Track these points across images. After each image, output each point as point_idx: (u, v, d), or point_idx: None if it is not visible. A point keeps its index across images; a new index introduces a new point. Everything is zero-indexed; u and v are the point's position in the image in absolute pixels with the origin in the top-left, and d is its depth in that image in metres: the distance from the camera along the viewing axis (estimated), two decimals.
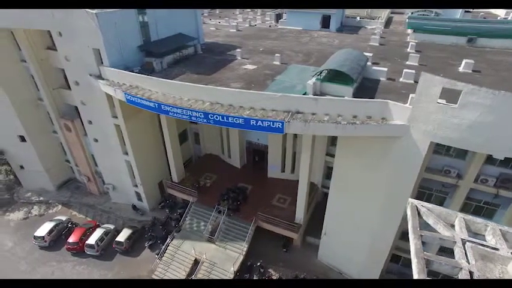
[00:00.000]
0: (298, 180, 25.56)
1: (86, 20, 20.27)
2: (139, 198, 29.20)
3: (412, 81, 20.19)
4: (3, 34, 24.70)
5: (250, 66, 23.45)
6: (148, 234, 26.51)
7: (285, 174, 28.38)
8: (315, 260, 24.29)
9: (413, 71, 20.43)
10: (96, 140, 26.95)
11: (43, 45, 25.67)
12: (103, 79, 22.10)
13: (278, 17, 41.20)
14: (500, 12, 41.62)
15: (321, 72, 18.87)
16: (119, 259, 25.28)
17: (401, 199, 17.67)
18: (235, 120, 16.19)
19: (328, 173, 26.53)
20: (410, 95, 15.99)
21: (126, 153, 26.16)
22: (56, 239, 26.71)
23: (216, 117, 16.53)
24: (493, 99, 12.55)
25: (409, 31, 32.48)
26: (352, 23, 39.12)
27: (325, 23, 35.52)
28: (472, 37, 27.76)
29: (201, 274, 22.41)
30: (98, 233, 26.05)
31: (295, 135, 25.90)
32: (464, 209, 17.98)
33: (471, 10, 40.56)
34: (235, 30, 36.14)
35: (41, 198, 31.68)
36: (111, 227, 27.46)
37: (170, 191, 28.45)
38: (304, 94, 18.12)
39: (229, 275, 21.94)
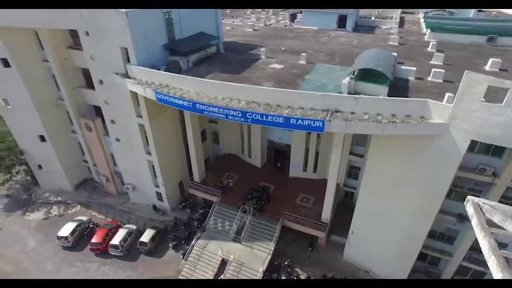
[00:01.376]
0: (320, 180, 25.67)
1: (115, 19, 20.17)
2: (160, 198, 29.07)
3: (441, 81, 20.26)
4: (28, 34, 24.53)
5: (277, 66, 23.40)
6: (171, 235, 26.37)
7: (307, 174, 28.32)
8: (341, 259, 24.25)
9: (443, 71, 20.51)
10: (118, 140, 26.76)
11: (65, 45, 25.59)
12: (129, 78, 22.03)
13: (293, 17, 41.19)
14: None
15: (354, 72, 18.87)
16: (143, 259, 25.16)
17: (436, 197, 17.82)
18: (275, 119, 16.14)
19: (351, 172, 26.61)
20: (447, 94, 16.05)
21: (149, 153, 26.05)
22: (79, 239, 26.59)
23: (255, 116, 16.49)
24: None
25: (426, 31, 32.58)
26: (366, 23, 39.19)
27: (342, 22, 35.63)
28: (493, 36, 27.88)
29: (229, 274, 22.32)
30: (121, 234, 25.90)
31: (318, 135, 25.89)
32: None
33: (484, 9, 40.77)
34: (251, 30, 36.12)
35: (59, 199, 31.48)
36: (133, 227, 27.28)
37: (193, 191, 28.27)
38: (338, 93, 18.11)
39: (259, 275, 21.87)
